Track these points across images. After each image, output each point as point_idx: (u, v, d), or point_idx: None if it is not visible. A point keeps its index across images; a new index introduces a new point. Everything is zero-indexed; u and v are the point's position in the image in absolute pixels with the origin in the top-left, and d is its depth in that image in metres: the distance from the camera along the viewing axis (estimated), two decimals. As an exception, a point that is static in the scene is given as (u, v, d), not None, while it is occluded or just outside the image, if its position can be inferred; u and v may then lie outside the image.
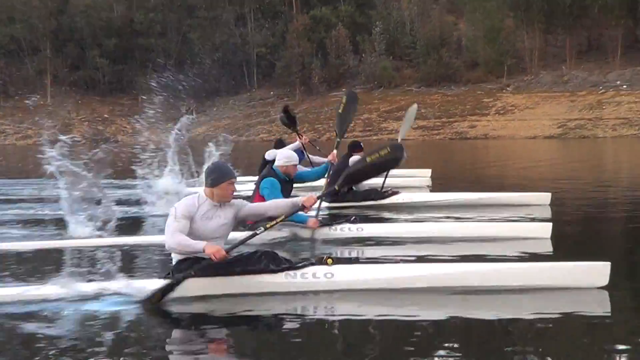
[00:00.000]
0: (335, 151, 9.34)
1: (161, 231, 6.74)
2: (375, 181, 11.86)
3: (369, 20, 71.28)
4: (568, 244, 7.96)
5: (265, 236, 7.00)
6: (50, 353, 4.34)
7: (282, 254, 5.83)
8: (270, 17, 75.65)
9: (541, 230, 7.87)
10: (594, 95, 57.16)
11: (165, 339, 4.77)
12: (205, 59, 72.23)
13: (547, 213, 10.06)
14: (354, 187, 11.10)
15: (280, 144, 12.72)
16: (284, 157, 8.17)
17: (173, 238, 5.26)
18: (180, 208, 5.40)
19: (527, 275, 5.53)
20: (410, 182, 14.44)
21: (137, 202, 11.42)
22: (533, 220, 9.19)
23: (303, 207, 5.76)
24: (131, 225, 9.60)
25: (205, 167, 7.21)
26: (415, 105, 13.46)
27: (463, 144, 48.77)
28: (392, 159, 6.13)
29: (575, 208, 11.34)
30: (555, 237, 7.73)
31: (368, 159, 6.13)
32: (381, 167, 6.35)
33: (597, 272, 5.40)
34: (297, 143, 12.34)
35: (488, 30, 62.84)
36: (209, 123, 67.67)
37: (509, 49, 62.64)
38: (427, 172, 15.95)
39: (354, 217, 8.32)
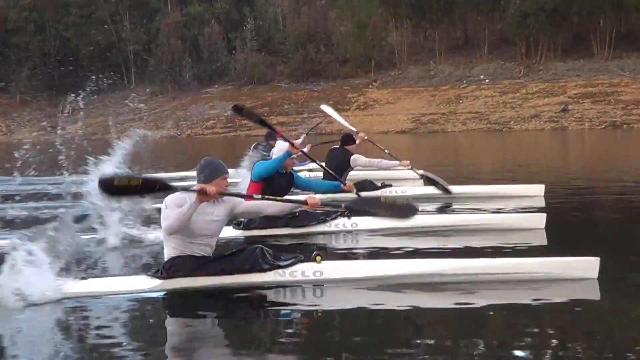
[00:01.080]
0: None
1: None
2: (369, 173, 12.60)
3: (244, 17, 70.17)
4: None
5: (260, 231, 7.60)
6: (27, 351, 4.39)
7: (272, 250, 5.76)
8: (145, 14, 74.01)
9: (536, 221, 7.98)
10: (455, 90, 56.89)
11: (153, 336, 4.72)
12: (81, 56, 70.49)
13: (542, 204, 10.13)
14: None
15: (269, 137, 13.46)
16: (280, 150, 8.10)
17: (167, 220, 5.26)
18: (168, 200, 5.37)
19: (518, 270, 5.56)
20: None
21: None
22: (526, 210, 9.17)
23: (305, 203, 5.76)
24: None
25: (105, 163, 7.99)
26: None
27: (315, 138, 47.71)
28: (402, 215, 6.38)
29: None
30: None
31: (383, 200, 6.45)
32: (388, 213, 6.42)
33: (587, 267, 5.47)
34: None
35: (356, 25, 62.10)
36: (84, 121, 65.73)
37: (375, 45, 61.95)
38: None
39: (347, 212, 8.04)
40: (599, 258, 5.48)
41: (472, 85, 57.10)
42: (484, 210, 9.42)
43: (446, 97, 55.74)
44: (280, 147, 8.17)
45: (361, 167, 11.50)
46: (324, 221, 8.09)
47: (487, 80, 57.46)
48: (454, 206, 10.22)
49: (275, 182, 7.85)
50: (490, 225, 8.04)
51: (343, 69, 64.09)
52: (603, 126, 46.76)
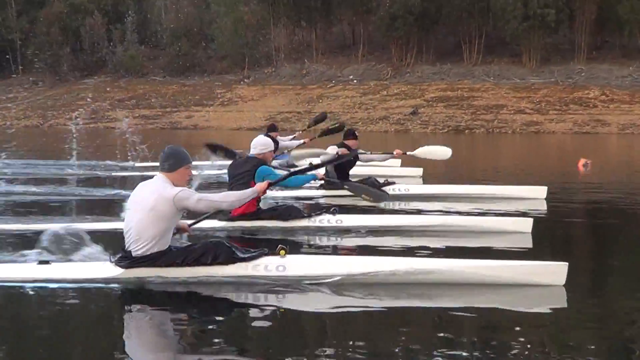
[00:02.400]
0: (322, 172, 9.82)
1: None
2: (371, 170, 13.06)
3: (127, 9, 69.40)
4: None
5: (243, 223, 7.87)
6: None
7: (236, 244, 5.83)
8: (33, 2, 72.82)
9: (522, 225, 7.88)
10: (322, 89, 56.69)
11: (109, 327, 4.67)
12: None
13: (543, 206, 10.31)
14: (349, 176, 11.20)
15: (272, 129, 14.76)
16: (259, 144, 8.08)
17: (229, 197, 5.78)
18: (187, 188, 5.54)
19: (486, 272, 5.49)
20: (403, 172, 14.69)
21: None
22: (523, 214, 9.16)
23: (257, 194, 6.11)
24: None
25: None
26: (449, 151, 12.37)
27: (166, 133, 47.30)
28: (373, 200, 8.33)
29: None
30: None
31: (364, 195, 7.86)
32: (366, 195, 7.91)
33: (555, 272, 5.44)
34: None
35: (233, 22, 61.60)
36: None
37: (249, 42, 61.45)
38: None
39: (333, 208, 8.28)
40: (567, 263, 5.47)
41: (339, 86, 56.94)
42: (474, 213, 9.45)
43: (310, 96, 55.51)
44: (261, 142, 8.20)
45: (362, 164, 11.88)
46: (309, 217, 8.12)
47: (355, 81, 57.34)
48: (456, 207, 10.15)
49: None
50: (474, 228, 8.02)
51: (219, 64, 63.60)
52: (446, 130, 46.81)
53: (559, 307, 5.22)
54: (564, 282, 5.40)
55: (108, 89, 62.05)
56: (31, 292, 5.29)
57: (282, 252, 5.56)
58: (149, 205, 5.30)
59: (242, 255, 5.55)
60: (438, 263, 5.67)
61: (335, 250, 7.12)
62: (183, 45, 62.42)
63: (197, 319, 4.99)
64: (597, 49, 58.79)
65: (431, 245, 7.17)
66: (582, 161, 17.11)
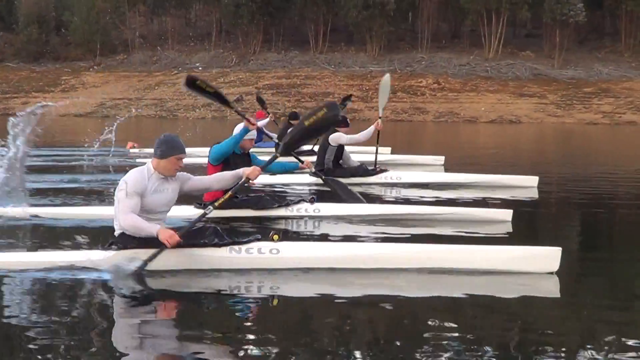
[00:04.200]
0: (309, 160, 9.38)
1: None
2: (365, 158, 12.25)
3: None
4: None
5: (220, 212, 7.02)
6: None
7: (228, 229, 5.86)
8: None
9: (502, 215, 7.82)
10: (164, 77, 56.76)
11: (100, 313, 4.51)
12: None
13: (535, 195, 10.36)
14: (341, 163, 10.99)
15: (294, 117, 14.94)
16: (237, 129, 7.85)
17: (127, 219, 5.21)
18: (130, 184, 5.28)
19: (479, 257, 5.44)
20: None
21: None
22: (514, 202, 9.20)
23: (248, 180, 5.77)
24: None
25: None
26: (387, 76, 12.36)
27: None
28: (330, 117, 6.11)
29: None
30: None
31: (306, 123, 6.07)
32: (321, 129, 6.51)
33: (549, 257, 5.35)
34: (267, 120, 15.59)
35: (85, 8, 61.35)
36: None
37: (100, 28, 61.29)
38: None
39: (312, 197, 8.16)
40: (560, 248, 5.37)
41: (184, 73, 56.85)
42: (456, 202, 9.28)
43: (149, 83, 55.62)
44: (238, 127, 7.87)
45: (345, 144, 11.04)
46: (287, 205, 7.92)
47: (200, 68, 57.44)
48: (447, 195, 9.94)
49: (232, 164, 7.33)
50: (456, 217, 7.86)
51: (73, 51, 63.37)
52: (263, 117, 46.99)
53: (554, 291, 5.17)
54: (557, 269, 5.33)
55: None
56: (20, 279, 5.19)
57: (276, 237, 5.50)
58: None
59: (236, 239, 5.53)
60: (432, 248, 5.57)
61: (323, 238, 6.96)
62: (33, 31, 61.95)
63: (188, 303, 4.93)
64: (439, 38, 59.52)
65: (412, 233, 7.07)
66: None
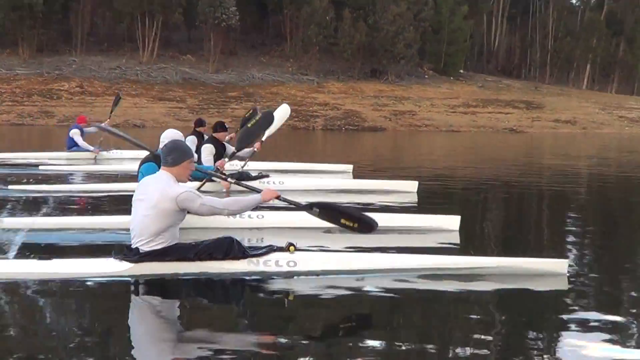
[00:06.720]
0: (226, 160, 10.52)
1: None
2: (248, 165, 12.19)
3: None
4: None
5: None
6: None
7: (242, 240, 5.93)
8: None
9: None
10: None
11: (121, 320, 4.67)
12: None
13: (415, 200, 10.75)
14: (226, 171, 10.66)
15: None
16: (165, 138, 7.70)
17: (228, 207, 5.56)
18: (190, 188, 5.55)
19: (499, 264, 5.82)
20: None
21: None
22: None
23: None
24: None
25: None
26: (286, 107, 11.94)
27: None
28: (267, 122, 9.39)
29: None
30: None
31: (249, 125, 8.70)
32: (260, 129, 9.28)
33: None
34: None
35: None
36: None
37: None
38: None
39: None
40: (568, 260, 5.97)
41: None
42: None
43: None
44: (167, 136, 7.81)
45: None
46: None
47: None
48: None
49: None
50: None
51: None
52: None
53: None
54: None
55: None
56: (33, 288, 5.17)
57: (292, 248, 5.66)
58: (153, 202, 5.36)
59: (253, 252, 5.64)
60: (452, 260, 5.94)
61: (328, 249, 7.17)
62: None
63: (207, 314, 5.00)
64: (100, 41, 58.69)
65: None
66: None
